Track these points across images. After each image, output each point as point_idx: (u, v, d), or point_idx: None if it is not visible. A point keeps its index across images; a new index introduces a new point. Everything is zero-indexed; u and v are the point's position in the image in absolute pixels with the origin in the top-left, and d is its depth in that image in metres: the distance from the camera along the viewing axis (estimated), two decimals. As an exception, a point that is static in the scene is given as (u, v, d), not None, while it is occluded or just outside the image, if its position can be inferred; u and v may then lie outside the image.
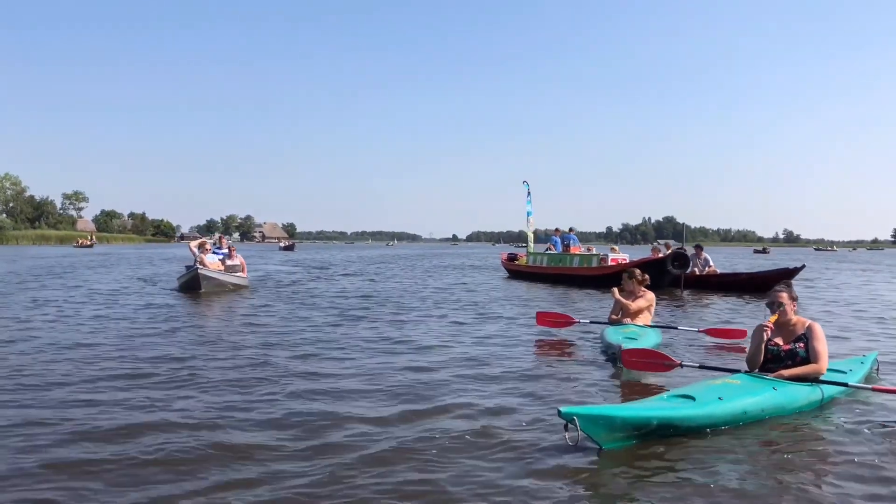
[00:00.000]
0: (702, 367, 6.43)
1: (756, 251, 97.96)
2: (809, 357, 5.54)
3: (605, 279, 20.48)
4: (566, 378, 6.79)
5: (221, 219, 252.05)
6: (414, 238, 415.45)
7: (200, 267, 17.66)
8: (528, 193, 29.11)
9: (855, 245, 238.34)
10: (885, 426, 5.01)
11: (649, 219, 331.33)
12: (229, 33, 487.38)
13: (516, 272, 27.68)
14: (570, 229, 26.92)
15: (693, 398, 4.89)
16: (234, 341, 9.02)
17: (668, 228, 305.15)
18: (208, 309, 13.93)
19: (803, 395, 5.36)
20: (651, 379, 6.68)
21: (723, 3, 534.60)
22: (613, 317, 9.34)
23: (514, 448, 4.53)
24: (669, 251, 19.87)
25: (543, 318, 10.29)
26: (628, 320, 9.10)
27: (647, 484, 3.92)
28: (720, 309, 14.67)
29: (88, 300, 15.59)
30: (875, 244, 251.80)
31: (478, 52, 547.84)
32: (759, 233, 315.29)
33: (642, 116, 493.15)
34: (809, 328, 5.64)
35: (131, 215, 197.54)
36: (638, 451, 4.42)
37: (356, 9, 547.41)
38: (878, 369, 6.95)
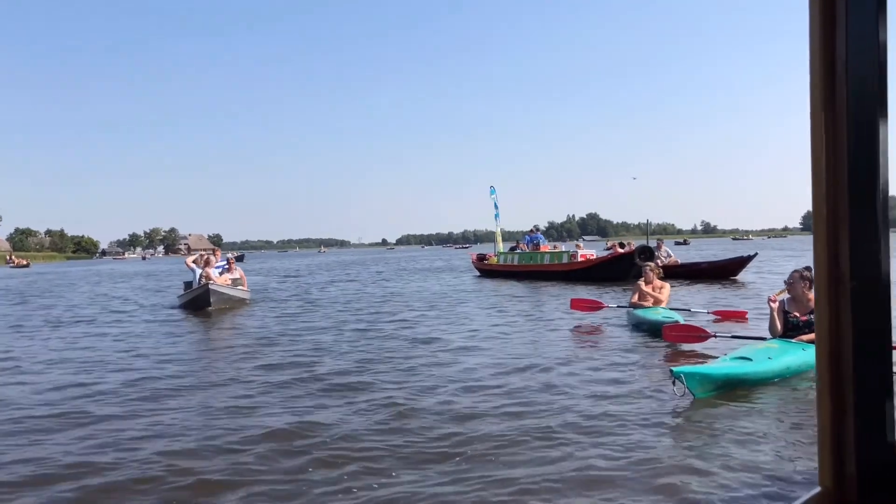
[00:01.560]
0: (733, 336, 8.33)
1: (677, 243, 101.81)
2: None
3: (576, 274, 22.91)
4: (629, 350, 8.68)
5: (145, 232, 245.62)
6: (343, 244, 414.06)
7: (211, 283, 16.55)
8: (495, 199, 31.21)
9: (768, 234, 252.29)
10: None
11: (573, 216, 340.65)
12: (138, 46, 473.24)
13: (488, 271, 29.69)
14: (535, 229, 29.20)
15: (750, 359, 6.60)
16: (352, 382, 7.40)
17: (592, 224, 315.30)
18: (239, 331, 12.67)
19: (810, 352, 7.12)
20: (685, 348, 8.53)
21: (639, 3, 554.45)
22: (635, 302, 11.40)
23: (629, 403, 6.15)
24: (632, 246, 22.61)
25: (578, 303, 12.46)
26: (647, 304, 11.21)
27: (730, 424, 5.46)
28: (691, 291, 17.02)
29: (95, 330, 13.70)
30: (785, 231, 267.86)
31: (399, 56, 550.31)
32: (679, 225, 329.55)
33: (561, 114, 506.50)
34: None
35: (48, 232, 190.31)
36: (718, 400, 6.11)
37: (269, 16, 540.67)
38: None
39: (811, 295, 7.51)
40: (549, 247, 28.24)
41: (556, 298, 16.99)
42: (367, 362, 8.50)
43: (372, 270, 41.95)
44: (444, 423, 5.59)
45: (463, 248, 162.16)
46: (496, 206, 31.05)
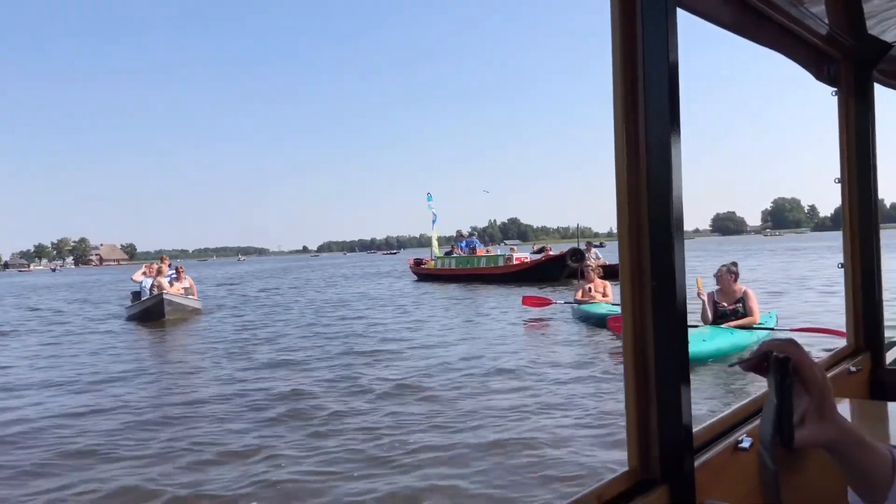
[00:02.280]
0: None
1: (595, 246, 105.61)
2: (747, 312, 8.78)
3: (512, 276, 24.32)
4: (577, 341, 9.72)
5: (52, 242, 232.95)
6: (262, 252, 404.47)
7: (165, 292, 16.06)
8: (431, 206, 32.37)
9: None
10: None
11: (495, 221, 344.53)
12: (47, 45, 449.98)
13: (426, 275, 30.62)
14: (460, 234, 30.69)
15: (692, 341, 8.03)
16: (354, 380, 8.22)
17: (514, 229, 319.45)
18: (207, 342, 12.51)
19: (747, 337, 8.64)
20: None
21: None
22: (580, 298, 12.86)
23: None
24: (567, 250, 24.64)
25: (528, 300, 14.15)
26: (591, 300, 12.79)
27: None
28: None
29: (29, 348, 13.00)
30: (696, 233, 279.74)
31: (322, 65, 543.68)
32: (595, 228, 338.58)
33: (481, 123, 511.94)
34: (745, 293, 9.02)
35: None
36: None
37: (176, 23, 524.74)
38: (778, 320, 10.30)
39: (736, 287, 8.96)
40: (484, 251, 29.55)
41: (503, 298, 18.18)
42: (350, 366, 9.15)
43: (305, 277, 42.04)
44: (434, 404, 6.73)
45: (391, 253, 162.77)
46: (433, 212, 32.12)
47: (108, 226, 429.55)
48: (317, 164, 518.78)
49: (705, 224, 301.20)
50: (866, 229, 2.70)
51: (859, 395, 2.62)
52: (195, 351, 11.55)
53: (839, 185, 2.72)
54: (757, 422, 1.83)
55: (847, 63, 2.65)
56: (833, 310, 11.31)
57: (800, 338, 8.37)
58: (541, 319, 13.20)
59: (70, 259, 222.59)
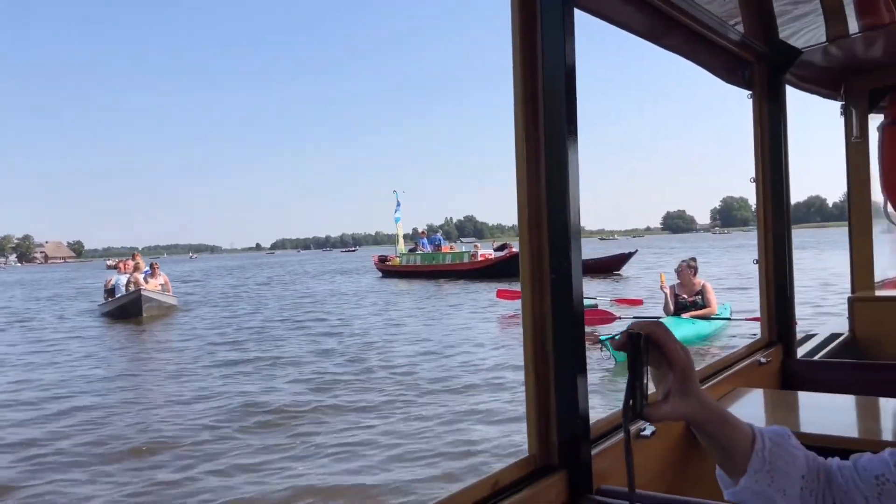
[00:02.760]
0: (634, 317, 9.94)
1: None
2: (705, 304, 9.21)
3: (477, 272, 24.81)
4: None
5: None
6: (214, 249, 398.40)
7: (143, 289, 15.61)
8: (398, 203, 32.92)
9: (632, 233, 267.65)
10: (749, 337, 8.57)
11: (451, 218, 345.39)
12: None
13: (391, 272, 30.94)
14: (427, 232, 31.19)
15: None
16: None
17: (469, 227, 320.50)
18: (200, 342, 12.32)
19: (706, 326, 9.32)
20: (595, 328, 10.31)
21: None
22: None
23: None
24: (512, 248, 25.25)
25: (503, 293, 14.51)
26: None
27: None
28: (587, 283, 19.52)
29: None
30: (647, 231, 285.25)
31: (276, 61, 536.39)
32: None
33: (436, 120, 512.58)
34: (704, 286, 9.39)
35: None
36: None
37: (117, 10, 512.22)
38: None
39: (696, 280, 9.60)
40: (449, 247, 30.06)
41: (473, 293, 18.67)
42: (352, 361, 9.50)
43: (267, 275, 41.74)
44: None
45: (349, 251, 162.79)
46: (398, 209, 32.73)
47: (52, 223, 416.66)
48: (270, 160, 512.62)
49: (656, 222, 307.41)
50: (779, 226, 2.81)
51: (771, 385, 2.74)
52: (182, 350, 11.45)
53: (754, 184, 2.83)
54: None
55: (760, 67, 2.76)
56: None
57: (753, 327, 9.18)
58: (516, 314, 13.80)
59: (13, 257, 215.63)
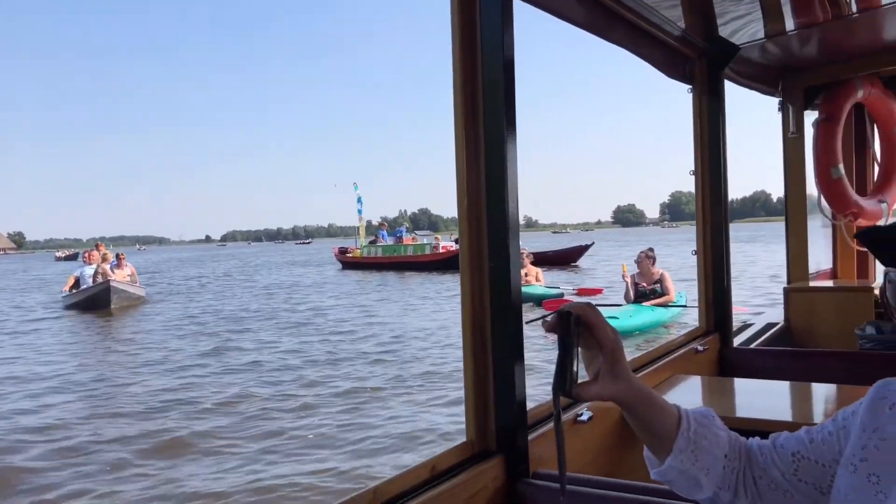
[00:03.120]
0: (597, 305, 10.58)
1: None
2: (664, 292, 9.82)
3: (438, 263, 25.34)
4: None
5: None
6: (162, 241, 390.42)
7: (112, 280, 15.14)
8: (359, 196, 33.15)
9: (583, 227, 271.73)
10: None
11: (405, 211, 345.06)
12: None
13: (352, 263, 31.09)
14: (399, 223, 31.69)
15: (617, 317, 9.10)
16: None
17: (424, 219, 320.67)
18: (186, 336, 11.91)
19: (664, 313, 9.84)
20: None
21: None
22: None
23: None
24: None
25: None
26: (526, 283, 14.09)
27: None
28: (548, 274, 20.21)
29: None
30: (599, 224, 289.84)
31: (224, 51, 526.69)
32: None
33: (389, 113, 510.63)
34: (662, 275, 10.05)
35: None
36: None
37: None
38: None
39: (654, 269, 10.14)
40: (411, 239, 30.31)
41: (438, 283, 19.01)
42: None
43: (225, 266, 41.52)
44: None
45: (304, 243, 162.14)
46: (360, 202, 32.99)
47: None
48: (219, 151, 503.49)
49: (607, 216, 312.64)
50: (717, 218, 2.89)
51: (708, 372, 2.82)
52: (164, 341, 11.24)
53: (694, 176, 2.90)
54: None
55: (701, 62, 2.83)
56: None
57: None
58: None
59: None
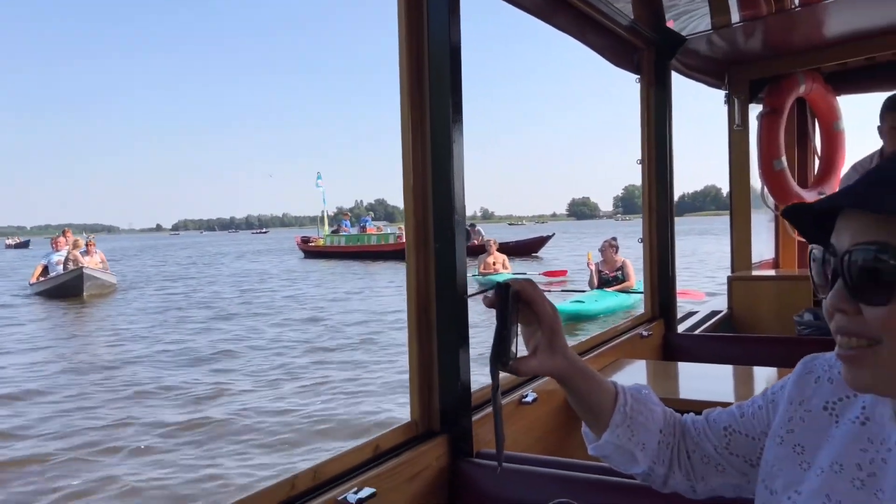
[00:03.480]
0: (563, 290, 11.61)
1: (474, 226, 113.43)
2: (625, 278, 10.48)
3: (403, 253, 25.48)
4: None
5: None
6: (111, 229, 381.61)
7: (85, 267, 14.76)
8: (320, 186, 33.34)
9: (538, 219, 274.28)
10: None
11: (361, 201, 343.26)
12: None
13: (315, 252, 31.35)
14: (366, 211, 32.41)
15: (583, 302, 9.89)
16: None
17: (381, 210, 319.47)
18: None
19: (626, 298, 10.39)
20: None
21: None
22: (483, 270, 14.85)
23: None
24: None
25: None
26: (493, 271, 14.80)
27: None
28: (513, 265, 21.43)
29: None
30: (554, 217, 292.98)
31: (168, 36, 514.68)
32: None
33: (343, 101, 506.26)
34: (624, 262, 10.68)
35: None
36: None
37: None
38: None
39: (617, 257, 10.80)
40: (375, 229, 30.53)
41: (402, 272, 20.10)
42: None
43: (185, 255, 41.23)
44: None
45: (260, 233, 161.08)
46: (323, 192, 33.32)
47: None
48: (169, 138, 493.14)
49: (562, 209, 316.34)
50: (662, 207, 2.95)
51: (653, 356, 2.88)
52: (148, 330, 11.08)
53: (640, 165, 2.95)
54: (546, 377, 1.97)
55: (649, 53, 2.88)
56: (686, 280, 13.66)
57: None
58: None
59: None
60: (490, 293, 0.93)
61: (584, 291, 10.86)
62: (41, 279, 16.05)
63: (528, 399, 1.89)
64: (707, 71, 3.62)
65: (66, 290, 14.85)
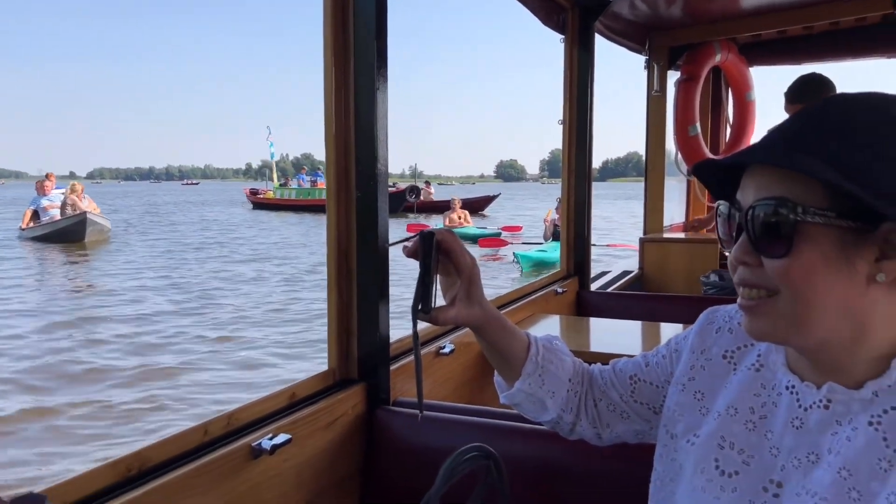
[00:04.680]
0: (524, 243, 13.35)
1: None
2: None
3: None
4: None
5: None
6: (20, 175, 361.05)
7: (89, 212, 14.65)
8: (271, 139, 33.56)
9: (466, 180, 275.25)
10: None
11: (287, 155, 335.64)
12: None
13: (263, 205, 31.53)
14: (304, 168, 32.96)
15: (546, 251, 11.96)
16: None
17: (307, 163, 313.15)
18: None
19: None
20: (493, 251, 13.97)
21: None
22: (448, 224, 16.80)
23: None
24: (406, 186, 27.96)
25: (411, 227, 17.31)
26: (458, 225, 16.82)
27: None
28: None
29: None
30: (482, 178, 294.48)
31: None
32: (391, 170, 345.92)
33: (269, 56, 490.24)
34: None
35: None
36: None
37: None
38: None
39: None
40: (324, 183, 31.46)
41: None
42: None
43: (128, 204, 40.18)
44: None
45: (191, 184, 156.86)
46: (272, 145, 33.61)
47: None
48: (82, 86, 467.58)
49: (490, 170, 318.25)
50: (581, 168, 3.03)
51: (567, 312, 2.99)
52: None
53: (561, 126, 3.01)
54: (463, 330, 2.02)
55: (574, 13, 2.91)
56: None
57: (615, 252, 12.01)
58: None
59: None
60: (411, 242, 0.94)
61: (540, 244, 13.25)
62: (32, 224, 15.65)
63: (446, 350, 1.93)
64: (629, 35, 3.69)
65: (67, 234, 14.71)
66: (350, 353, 1.58)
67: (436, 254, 0.92)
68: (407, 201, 26.77)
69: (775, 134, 0.73)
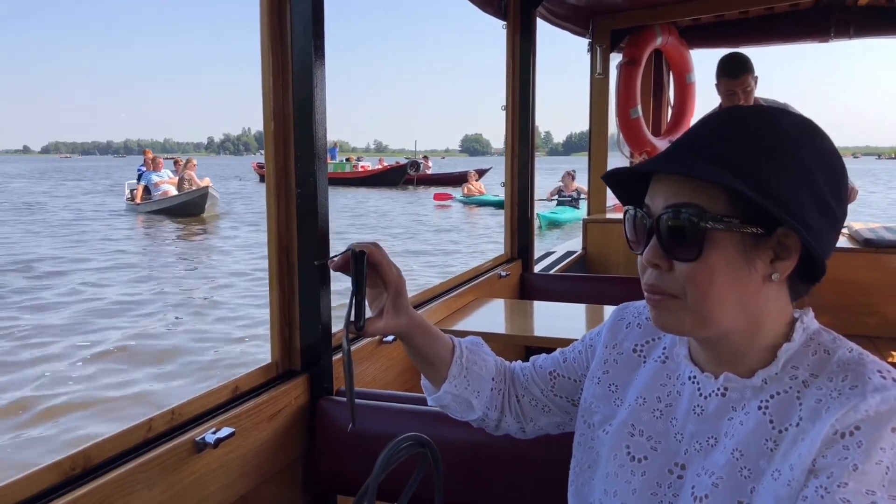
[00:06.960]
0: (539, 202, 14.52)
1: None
2: (579, 198, 15.07)
3: (358, 181, 29.23)
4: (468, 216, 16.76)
5: None
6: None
7: (209, 186, 15.40)
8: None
9: (430, 154, 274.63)
10: None
11: (249, 129, 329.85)
12: None
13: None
14: (223, 141, 32.98)
15: (556, 213, 15.45)
16: None
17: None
18: None
19: (577, 212, 14.40)
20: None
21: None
22: (467, 193, 20.47)
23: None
24: (406, 161, 30.32)
25: (438, 196, 19.97)
26: (475, 194, 20.14)
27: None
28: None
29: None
30: (447, 152, 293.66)
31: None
32: (353, 143, 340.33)
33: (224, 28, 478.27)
34: (578, 187, 15.19)
35: None
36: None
37: None
38: None
39: (574, 184, 15.70)
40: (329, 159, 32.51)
41: (389, 197, 23.31)
42: None
43: (118, 177, 39.97)
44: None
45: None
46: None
47: None
48: (31, 53, 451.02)
49: (455, 145, 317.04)
50: (524, 152, 3.09)
51: (511, 296, 3.06)
52: None
53: (504, 112, 3.06)
54: None
55: None
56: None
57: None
58: (445, 206, 20.52)
59: None
60: (337, 258, 0.98)
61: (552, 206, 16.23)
62: (146, 199, 16.17)
63: (389, 339, 1.98)
64: (572, 19, 3.74)
65: (188, 208, 15.26)
66: (293, 345, 1.61)
67: (366, 269, 0.96)
68: (408, 174, 29.21)
69: (683, 143, 0.78)
